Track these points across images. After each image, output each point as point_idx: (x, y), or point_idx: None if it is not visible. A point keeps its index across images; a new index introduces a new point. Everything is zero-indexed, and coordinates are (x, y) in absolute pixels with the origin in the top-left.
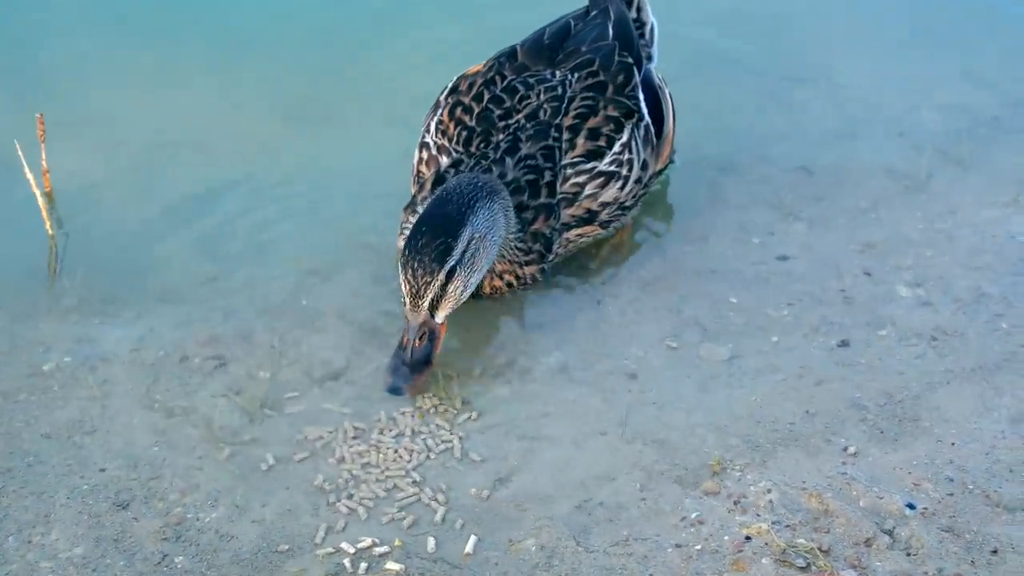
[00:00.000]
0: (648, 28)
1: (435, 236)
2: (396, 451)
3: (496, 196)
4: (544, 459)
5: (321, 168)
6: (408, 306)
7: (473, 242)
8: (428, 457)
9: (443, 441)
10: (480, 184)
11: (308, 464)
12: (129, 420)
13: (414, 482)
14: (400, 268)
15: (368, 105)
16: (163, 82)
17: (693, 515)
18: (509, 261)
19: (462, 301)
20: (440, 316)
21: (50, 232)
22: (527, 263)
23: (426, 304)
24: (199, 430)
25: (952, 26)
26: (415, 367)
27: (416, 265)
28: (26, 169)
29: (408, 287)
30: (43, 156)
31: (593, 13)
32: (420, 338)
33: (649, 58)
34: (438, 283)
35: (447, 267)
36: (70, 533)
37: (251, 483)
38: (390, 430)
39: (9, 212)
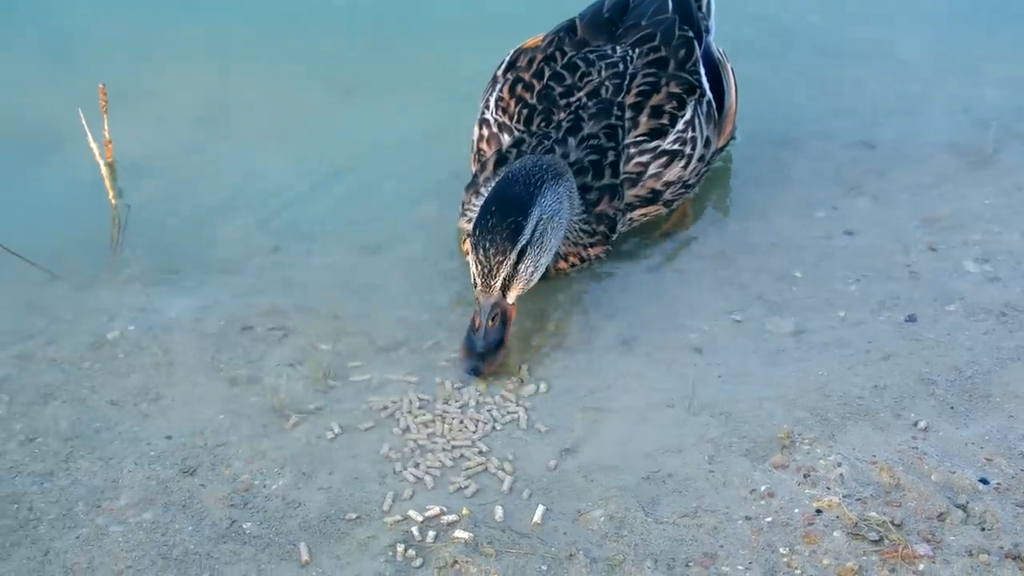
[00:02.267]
0: (705, 1)
1: (505, 216)
2: (461, 421)
3: (561, 178)
4: (610, 430)
5: (375, 141)
6: (480, 287)
7: (541, 223)
8: (494, 428)
9: (508, 412)
10: (546, 165)
11: (373, 433)
12: (193, 388)
13: (480, 452)
14: (471, 249)
15: (420, 79)
16: (216, 56)
17: (762, 488)
18: (574, 243)
19: (533, 283)
20: (511, 297)
21: (113, 202)
22: (592, 245)
23: (498, 284)
24: (263, 399)
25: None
26: (489, 348)
27: (488, 245)
28: (90, 139)
29: (480, 267)
30: (105, 127)
31: None
32: (492, 319)
33: (707, 31)
34: (510, 263)
35: (519, 246)
36: (139, 499)
37: (317, 451)
38: (455, 400)
39: (73, 183)
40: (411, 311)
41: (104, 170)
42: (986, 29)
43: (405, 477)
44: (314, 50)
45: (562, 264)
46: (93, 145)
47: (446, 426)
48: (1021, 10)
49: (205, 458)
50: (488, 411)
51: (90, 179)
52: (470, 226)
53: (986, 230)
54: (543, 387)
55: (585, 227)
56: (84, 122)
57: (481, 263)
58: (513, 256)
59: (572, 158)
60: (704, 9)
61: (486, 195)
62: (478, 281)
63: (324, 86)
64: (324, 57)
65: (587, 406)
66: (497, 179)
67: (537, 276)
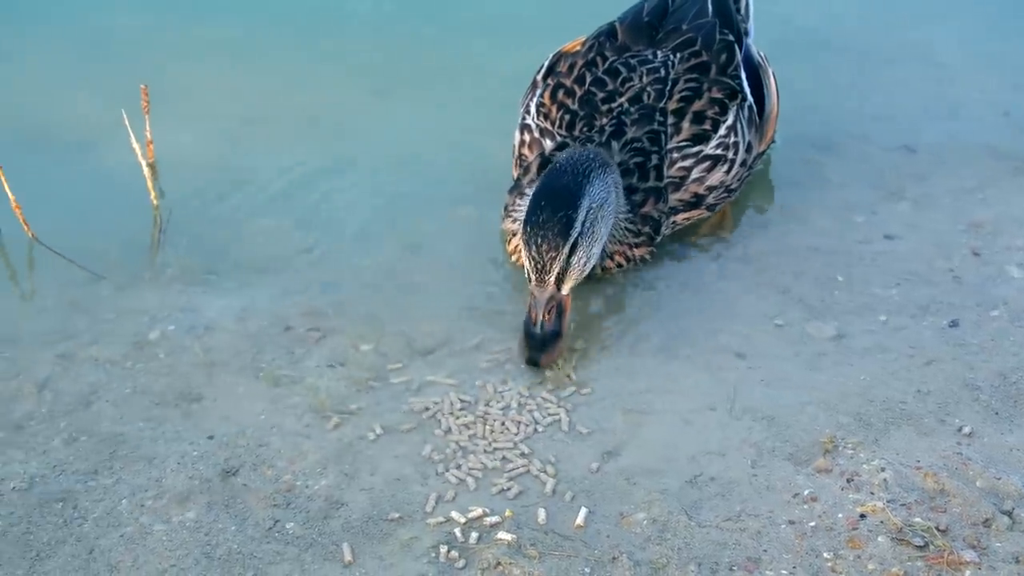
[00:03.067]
0: (744, 3)
1: (556, 210)
2: (503, 423)
3: (608, 168)
4: (652, 433)
5: (412, 141)
6: (534, 282)
7: (591, 212)
8: (535, 430)
9: (550, 414)
10: (592, 155)
11: (415, 435)
12: (235, 389)
13: (522, 454)
14: (523, 245)
15: (457, 79)
16: (254, 56)
17: (806, 492)
18: (619, 242)
19: (586, 272)
20: (566, 288)
21: (154, 203)
22: (637, 245)
23: (552, 278)
24: (305, 399)
25: None
26: (547, 340)
27: (540, 240)
28: (132, 140)
29: (533, 263)
30: (147, 127)
31: None
32: (549, 312)
33: (746, 33)
34: (563, 257)
35: (571, 240)
36: (182, 498)
37: (359, 452)
38: (496, 402)
39: (115, 183)
40: (451, 312)
41: (146, 170)
42: (1023, 34)
43: (447, 478)
44: (351, 49)
45: (608, 263)
46: (135, 145)
47: (488, 428)
48: None
49: (247, 458)
50: (530, 413)
51: (132, 179)
52: (516, 226)
53: None
54: (585, 389)
55: (631, 227)
56: (127, 123)
57: (534, 259)
58: (565, 250)
59: (616, 160)
60: (743, 11)
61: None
62: (532, 276)
63: (362, 86)
64: (362, 57)
65: (629, 408)
66: (544, 172)
67: (590, 265)
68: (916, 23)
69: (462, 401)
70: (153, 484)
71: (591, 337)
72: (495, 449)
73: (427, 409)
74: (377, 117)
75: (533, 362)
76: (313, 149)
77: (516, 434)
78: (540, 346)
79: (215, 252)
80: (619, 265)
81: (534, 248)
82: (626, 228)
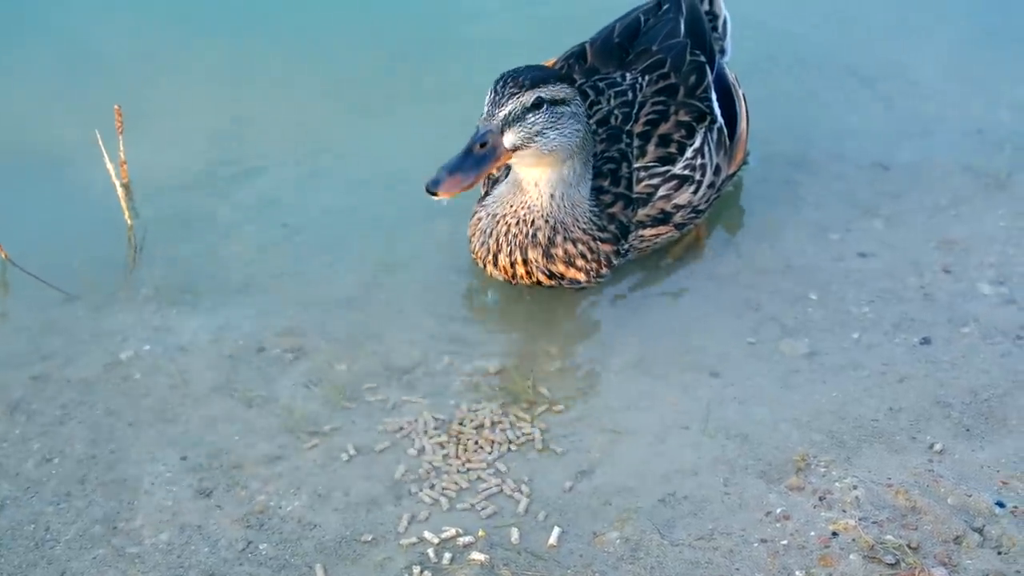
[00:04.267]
0: (721, 21)
1: (539, 71)
2: (477, 442)
3: (591, 136)
4: (626, 452)
5: (390, 160)
6: (484, 114)
7: (569, 107)
8: (509, 449)
9: (524, 433)
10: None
11: (389, 454)
12: (209, 409)
13: (496, 473)
14: (492, 84)
15: (436, 98)
16: (231, 75)
17: (778, 510)
18: (583, 230)
19: (532, 145)
20: (508, 139)
21: (129, 223)
22: (602, 240)
23: (502, 114)
24: (279, 420)
25: None
26: (459, 167)
27: (508, 79)
28: (106, 160)
29: (491, 95)
30: (121, 147)
31: (665, 7)
32: (481, 145)
33: (722, 52)
34: (522, 99)
35: (537, 92)
36: (154, 520)
37: (333, 473)
38: (470, 421)
39: (88, 203)
40: (426, 331)
41: (120, 191)
42: (1001, 51)
43: (421, 499)
44: (329, 68)
45: (570, 248)
46: (109, 166)
47: (461, 447)
48: None
49: (221, 479)
50: (503, 432)
51: (106, 199)
52: (476, 224)
53: (1001, 252)
54: (558, 407)
55: (595, 219)
56: (101, 143)
57: (495, 91)
58: (526, 96)
59: None
60: (720, 30)
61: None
62: (485, 108)
63: (339, 104)
64: (339, 75)
65: (602, 427)
66: None
67: (540, 145)
68: (891, 41)
69: (436, 420)
70: (126, 506)
71: (566, 354)
72: (469, 469)
73: (401, 429)
74: (355, 136)
75: (432, 183)
76: (290, 168)
77: (490, 453)
78: (446, 169)
79: (190, 272)
80: (583, 256)
81: (499, 84)
82: (591, 219)
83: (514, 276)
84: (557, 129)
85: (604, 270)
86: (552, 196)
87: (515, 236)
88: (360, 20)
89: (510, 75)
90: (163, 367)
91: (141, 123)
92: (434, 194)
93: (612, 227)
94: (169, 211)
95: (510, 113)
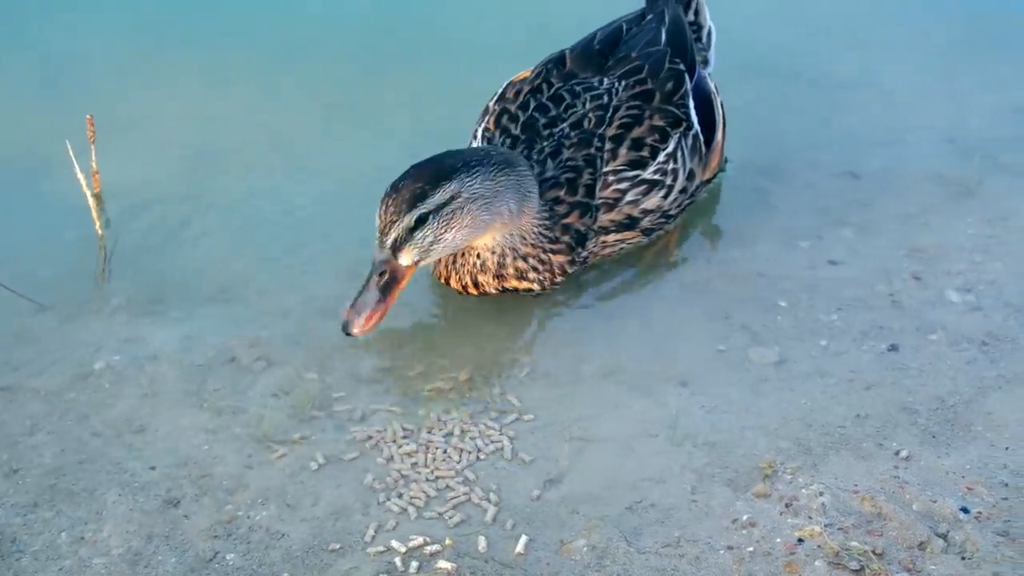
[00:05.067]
0: (706, 32)
1: (416, 181)
2: (445, 451)
3: (510, 169)
4: (594, 460)
5: (364, 172)
6: (376, 242)
7: (458, 199)
8: (478, 457)
9: (492, 441)
10: (495, 154)
11: (358, 464)
12: (178, 419)
13: (464, 481)
14: (380, 201)
15: (413, 111)
16: (205, 85)
17: (744, 517)
18: (532, 245)
19: (432, 253)
20: (405, 259)
21: (99, 233)
22: (554, 251)
23: (389, 243)
24: (248, 429)
25: (998, 31)
26: (366, 304)
27: (389, 203)
28: (77, 170)
29: (378, 221)
30: (92, 157)
31: (648, 17)
32: (380, 275)
33: (705, 62)
34: (403, 225)
35: (416, 213)
36: (121, 530)
37: (301, 482)
38: (439, 430)
39: (59, 213)
40: (396, 340)
41: (91, 200)
42: (973, 60)
43: (389, 507)
44: (304, 77)
45: (520, 264)
46: (80, 176)
47: (430, 456)
48: (1005, 40)
49: (189, 489)
50: (472, 440)
51: (78, 209)
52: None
53: (969, 260)
54: (528, 416)
55: (546, 232)
56: (71, 153)
57: (380, 217)
58: (406, 220)
59: (548, 175)
60: (705, 40)
61: None
62: (376, 235)
63: (314, 113)
64: (315, 84)
65: (571, 436)
66: None
67: (439, 249)
68: (864, 51)
69: (405, 429)
70: (93, 516)
71: (536, 363)
72: (437, 477)
73: (370, 438)
74: (329, 146)
75: (344, 326)
76: (264, 177)
77: (458, 462)
78: (356, 311)
79: (162, 282)
80: (535, 268)
81: (382, 208)
82: (540, 233)
83: (466, 291)
84: (453, 228)
85: (559, 278)
86: (493, 238)
87: (463, 265)
88: (336, 28)
89: (391, 198)
90: (132, 377)
91: (115, 133)
92: (350, 334)
93: (566, 238)
94: (141, 221)
95: (396, 239)
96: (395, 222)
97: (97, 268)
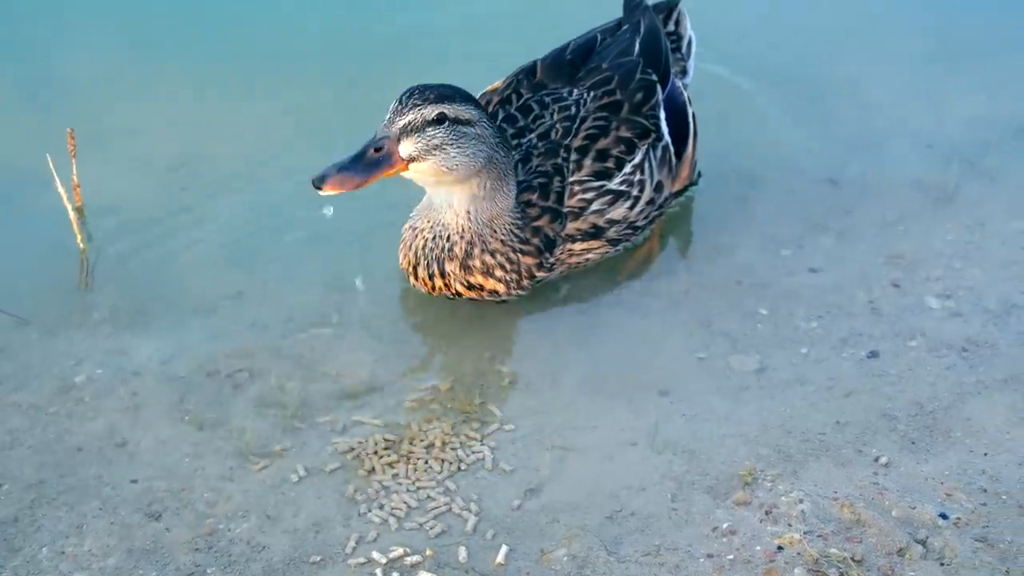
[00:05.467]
0: (685, 42)
1: (446, 89)
2: (426, 462)
3: (507, 151)
4: (574, 469)
5: None
6: (384, 121)
7: (474, 129)
8: (459, 468)
9: (473, 452)
10: (503, 134)
11: (339, 475)
12: (160, 432)
13: (445, 492)
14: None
15: None
16: (187, 98)
17: (724, 525)
18: (502, 241)
19: (429, 160)
20: (405, 148)
21: (81, 246)
22: (523, 252)
23: (401, 123)
24: (230, 442)
25: (978, 37)
26: (347, 169)
27: (415, 91)
28: (57, 184)
29: (395, 104)
30: (74, 171)
31: (624, 27)
32: (376, 150)
33: (684, 72)
34: (423, 114)
35: (440, 108)
36: (102, 544)
37: (282, 494)
38: (420, 441)
39: (41, 227)
40: (378, 352)
41: (72, 214)
42: (952, 67)
43: (370, 519)
44: (286, 91)
45: (488, 259)
46: (61, 190)
47: (411, 467)
48: (984, 48)
49: (170, 502)
50: (453, 451)
51: (59, 223)
52: (402, 237)
53: (948, 266)
54: (509, 426)
55: (517, 231)
56: (52, 167)
57: (399, 101)
58: (428, 110)
59: (520, 178)
60: (684, 50)
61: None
62: (387, 116)
63: (296, 126)
64: (298, 96)
65: (552, 445)
66: None
67: (437, 160)
68: (843, 58)
69: (386, 441)
70: (74, 530)
71: (517, 373)
72: (418, 488)
73: (352, 449)
74: (309, 160)
75: (317, 178)
76: (245, 190)
77: (439, 472)
78: (336, 167)
79: (144, 295)
80: (502, 267)
81: (405, 95)
82: (512, 231)
83: (433, 288)
84: (458, 147)
85: (525, 282)
86: (467, 213)
87: (432, 250)
88: (317, 44)
89: (417, 88)
90: (114, 390)
91: (97, 145)
92: (319, 188)
93: (535, 240)
94: (123, 234)
95: (409, 123)
96: (417, 107)
97: (79, 282)
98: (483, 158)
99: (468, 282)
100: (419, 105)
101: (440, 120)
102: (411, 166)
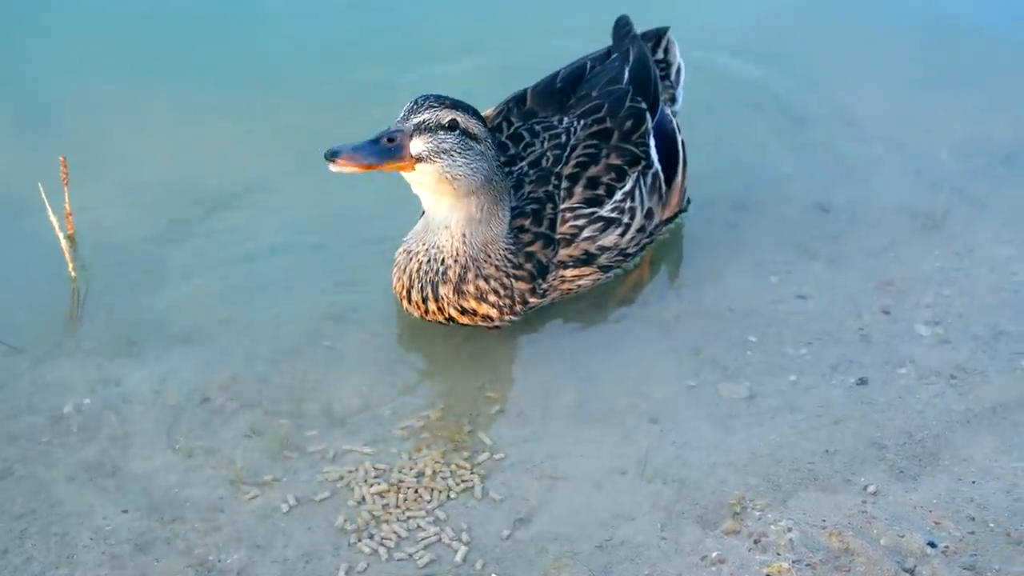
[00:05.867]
0: (674, 69)
1: (460, 102)
2: (416, 491)
3: (502, 177)
4: (564, 498)
5: (337, 210)
6: (399, 118)
7: (479, 146)
8: (449, 497)
9: (463, 480)
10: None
11: (329, 504)
12: (151, 462)
13: (435, 521)
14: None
15: None
16: (179, 123)
17: (714, 554)
18: (496, 266)
19: (435, 164)
20: (415, 145)
21: (73, 275)
22: (517, 277)
23: (416, 120)
24: (220, 471)
25: (967, 64)
26: (359, 151)
27: (431, 96)
28: (49, 212)
29: (409, 104)
30: (66, 199)
31: (613, 56)
32: (389, 140)
33: (673, 100)
34: (438, 116)
35: (455, 113)
36: (92, 575)
37: (273, 524)
38: (410, 469)
39: (33, 255)
40: (369, 380)
41: (64, 243)
42: (941, 93)
43: (360, 548)
44: (279, 116)
45: (482, 284)
46: (53, 218)
47: (401, 496)
48: (973, 74)
49: (160, 532)
50: (444, 480)
51: (51, 251)
52: (396, 260)
53: (937, 293)
54: (499, 455)
55: (511, 256)
56: (44, 196)
57: (415, 102)
58: (443, 113)
59: (512, 204)
60: (673, 78)
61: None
62: (401, 114)
63: (288, 153)
64: (289, 123)
65: (542, 474)
66: None
67: (442, 165)
68: (833, 84)
69: (377, 469)
70: (64, 561)
71: (507, 401)
72: (408, 517)
73: (342, 478)
74: (300, 187)
75: (330, 152)
76: (237, 217)
77: (429, 502)
78: (350, 146)
79: (136, 324)
80: (496, 292)
81: (421, 98)
82: (506, 256)
83: (427, 312)
84: (464, 158)
85: (518, 307)
86: (463, 236)
87: (426, 273)
88: (306, 69)
89: (433, 95)
90: (105, 419)
91: (90, 174)
92: (330, 162)
93: (528, 265)
94: (114, 262)
95: (424, 122)
96: (433, 108)
97: (70, 310)
98: (484, 176)
99: (461, 306)
100: (435, 107)
101: (452, 127)
102: (417, 166)
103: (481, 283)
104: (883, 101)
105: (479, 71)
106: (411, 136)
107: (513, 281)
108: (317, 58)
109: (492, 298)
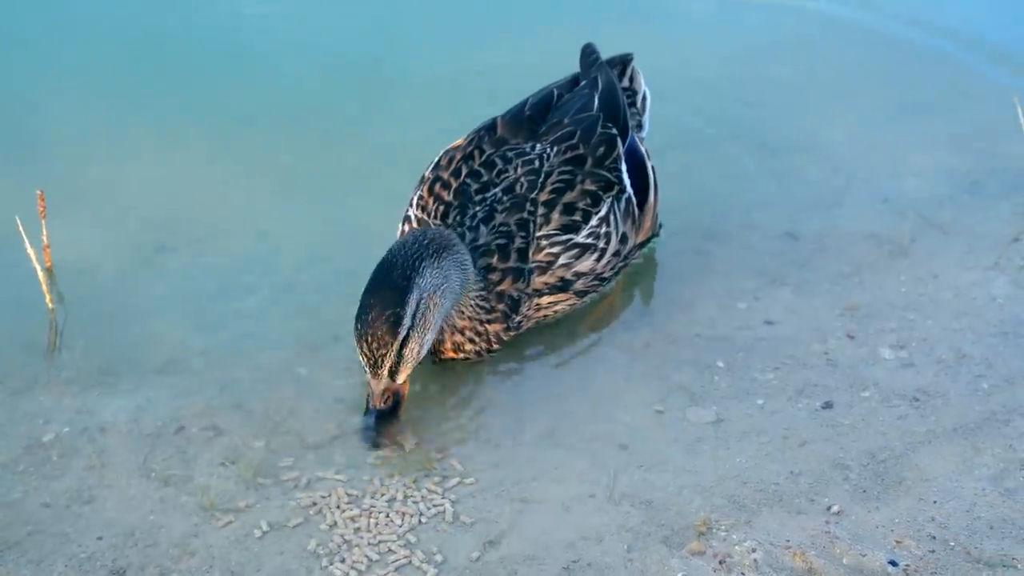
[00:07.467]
0: (640, 97)
1: (384, 309)
2: (388, 515)
3: (446, 251)
4: (533, 521)
5: (316, 242)
6: (369, 375)
7: (422, 303)
8: (420, 521)
9: (434, 505)
10: (427, 241)
11: (302, 530)
12: (126, 489)
13: (406, 545)
14: (355, 341)
15: (366, 179)
16: (159, 157)
17: (679, 574)
18: (469, 318)
19: (420, 358)
20: (400, 378)
21: (50, 307)
22: (490, 321)
23: (385, 372)
24: (195, 498)
25: (933, 95)
26: (383, 422)
27: (370, 339)
28: (27, 245)
29: (365, 359)
30: (44, 232)
31: (582, 83)
32: (386, 400)
33: (640, 127)
34: (394, 352)
35: (400, 336)
36: None
37: (246, 549)
38: (382, 495)
39: (10, 287)
40: (343, 408)
41: (41, 275)
42: (908, 122)
43: (331, 572)
44: (257, 152)
45: (458, 337)
46: (30, 250)
47: (372, 520)
48: (938, 103)
49: (135, 558)
50: (414, 504)
51: (29, 283)
52: None
53: (902, 318)
54: (469, 479)
55: (483, 303)
56: (21, 229)
57: (367, 355)
58: (395, 346)
59: (481, 242)
60: (639, 105)
61: None
62: (367, 370)
63: (266, 186)
64: (269, 154)
65: (512, 498)
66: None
67: (424, 352)
68: (802, 113)
69: (349, 495)
70: None
71: (478, 427)
72: (379, 541)
73: (314, 504)
74: (279, 218)
75: (373, 444)
76: (212, 249)
77: (400, 526)
78: (378, 429)
79: (113, 354)
80: (472, 340)
81: (365, 345)
82: (477, 304)
83: None
84: (429, 327)
85: (495, 346)
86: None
87: (383, 355)
88: (286, 100)
89: (370, 333)
90: (82, 448)
91: (68, 207)
92: (377, 448)
93: (501, 306)
94: (92, 294)
95: (392, 367)
96: (385, 353)
97: (48, 342)
98: (447, 297)
99: (440, 359)
100: (385, 351)
101: (406, 339)
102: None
103: (457, 337)
104: (850, 131)
105: (462, 100)
106: (393, 380)
107: (487, 326)
108: (296, 94)
109: (469, 347)
